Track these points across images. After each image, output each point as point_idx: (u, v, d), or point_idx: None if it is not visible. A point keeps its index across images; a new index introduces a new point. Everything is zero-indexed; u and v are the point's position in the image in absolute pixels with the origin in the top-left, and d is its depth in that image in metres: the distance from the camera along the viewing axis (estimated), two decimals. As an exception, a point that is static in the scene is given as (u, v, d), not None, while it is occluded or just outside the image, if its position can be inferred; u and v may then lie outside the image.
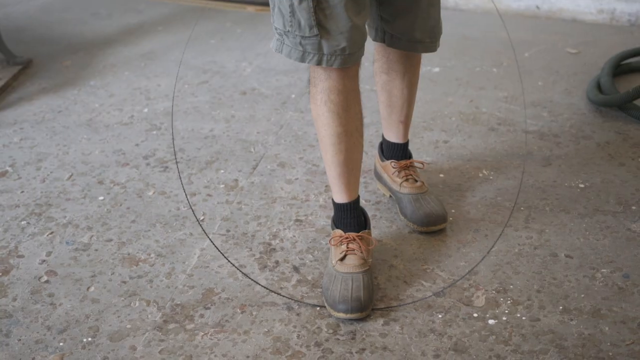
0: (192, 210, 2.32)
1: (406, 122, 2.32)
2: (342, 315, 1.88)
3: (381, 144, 2.44)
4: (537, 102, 3.11)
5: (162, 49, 3.83)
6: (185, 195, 2.37)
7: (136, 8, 4.53)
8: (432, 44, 2.12)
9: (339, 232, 2.05)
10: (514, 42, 3.77)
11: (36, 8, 4.51)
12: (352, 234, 2.02)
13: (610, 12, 4.06)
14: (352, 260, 1.98)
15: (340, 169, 2.00)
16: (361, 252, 1.99)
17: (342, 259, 1.99)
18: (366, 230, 2.05)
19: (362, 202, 2.15)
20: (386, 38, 2.12)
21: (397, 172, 2.33)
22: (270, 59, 3.65)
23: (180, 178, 2.51)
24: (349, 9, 1.77)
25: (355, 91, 1.95)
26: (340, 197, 2.05)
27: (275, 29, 1.87)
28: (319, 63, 1.83)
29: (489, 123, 2.93)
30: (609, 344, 1.78)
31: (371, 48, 2.16)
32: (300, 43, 1.82)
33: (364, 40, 1.89)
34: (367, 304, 1.90)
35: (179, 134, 2.89)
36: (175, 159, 2.68)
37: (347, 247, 2.01)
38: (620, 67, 3.32)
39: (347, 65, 1.84)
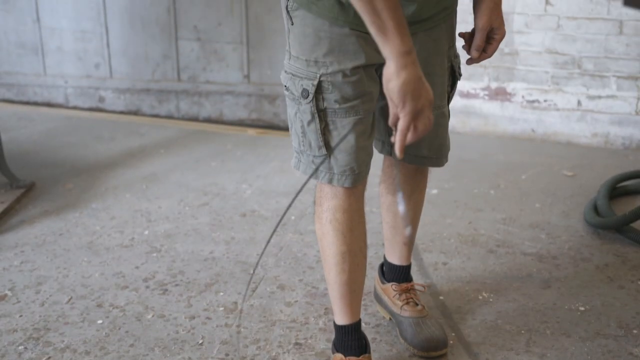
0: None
1: (410, 244, 2.34)
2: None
3: (382, 266, 2.44)
4: (535, 224, 3.13)
5: (164, 171, 3.88)
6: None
7: (138, 131, 4.62)
8: (438, 160, 2.14)
9: (339, 356, 2.03)
10: (511, 165, 3.84)
11: (40, 132, 4.60)
12: (353, 359, 2.01)
13: (604, 135, 4.15)
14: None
15: (343, 289, 2.01)
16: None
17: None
18: (366, 355, 2.04)
19: (362, 325, 2.14)
20: (393, 152, 2.14)
21: (398, 295, 2.33)
22: (270, 180, 3.70)
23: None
24: (357, 131, 1.83)
25: (360, 211, 1.98)
26: (342, 319, 2.04)
27: (294, 147, 1.95)
28: (330, 181, 1.88)
29: (488, 245, 2.95)
30: None
31: (377, 171, 2.19)
32: (313, 162, 1.88)
33: (371, 158, 1.93)
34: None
35: (179, 256, 2.90)
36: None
37: None
38: (616, 190, 3.37)
39: (356, 183, 1.88)
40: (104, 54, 4.99)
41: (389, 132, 2.09)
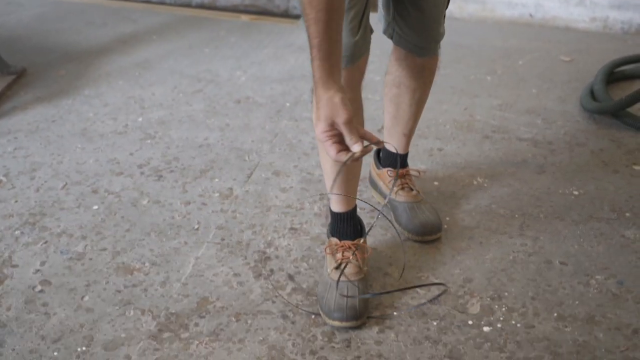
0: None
1: (409, 136, 2.32)
2: (337, 323, 1.88)
3: (378, 152, 2.44)
4: (531, 109, 3.11)
5: (157, 57, 3.83)
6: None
7: (130, 17, 4.54)
8: (426, 50, 2.11)
9: (334, 240, 2.04)
10: (508, 50, 3.79)
11: (31, 17, 4.51)
12: (348, 242, 2.02)
13: (603, 20, 4.08)
14: (348, 269, 1.98)
15: (339, 180, 2.00)
16: (357, 261, 1.99)
17: (337, 267, 1.99)
18: (361, 239, 2.05)
19: (357, 210, 2.15)
20: (394, 36, 2.11)
21: (393, 180, 2.33)
22: (264, 67, 3.65)
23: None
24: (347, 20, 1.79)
25: (356, 102, 1.95)
26: (338, 207, 2.05)
27: None
28: None
29: (484, 131, 2.93)
30: (603, 350, 1.78)
31: (372, 58, 2.16)
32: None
33: (365, 40, 1.88)
34: (363, 312, 1.90)
35: (173, 142, 2.88)
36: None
37: (343, 256, 2.00)
38: (613, 75, 3.33)
39: (347, 65, 1.83)
40: (92, -63, 4.85)
41: (396, 20, 2.04)
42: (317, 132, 1.59)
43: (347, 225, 2.05)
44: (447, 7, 2.06)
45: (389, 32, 2.11)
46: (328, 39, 1.57)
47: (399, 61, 2.17)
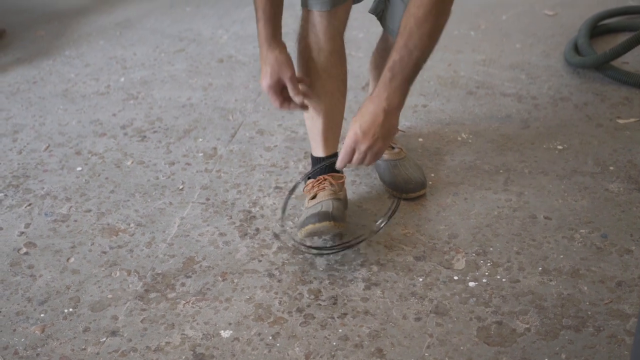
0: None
1: None
2: (309, 227, 1.89)
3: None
4: (515, 64, 3.11)
5: (137, 17, 3.79)
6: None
7: (110, -24, 4.48)
8: None
9: (310, 181, 2.07)
10: (491, 5, 3.77)
11: (8, -23, 4.44)
12: (321, 176, 2.05)
13: (587, -27, 4.05)
14: (321, 194, 2.01)
15: (320, 126, 2.02)
16: (331, 186, 2.02)
17: (313, 198, 2.01)
18: (338, 173, 2.07)
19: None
20: (382, 19, 2.10)
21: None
22: (246, 25, 3.62)
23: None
24: None
25: (336, 53, 1.95)
26: (318, 151, 2.07)
27: None
28: (303, 4, 1.89)
29: (467, 86, 2.93)
30: (587, 303, 1.80)
31: (355, 16, 2.14)
32: None
33: None
34: (337, 216, 1.92)
35: (156, 102, 2.86)
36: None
37: (318, 187, 2.03)
38: (597, 29, 3.32)
39: (325, 8, 1.84)
40: None
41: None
42: (263, 87, 1.86)
43: (326, 167, 2.07)
44: None
45: (379, 14, 2.09)
46: (271, 1, 1.80)
47: (385, 43, 2.16)
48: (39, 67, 3.20)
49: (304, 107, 1.92)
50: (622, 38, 3.15)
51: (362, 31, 3.34)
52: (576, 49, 3.12)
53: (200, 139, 2.60)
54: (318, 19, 1.89)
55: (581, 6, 3.74)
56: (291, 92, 1.88)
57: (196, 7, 3.92)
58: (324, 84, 1.97)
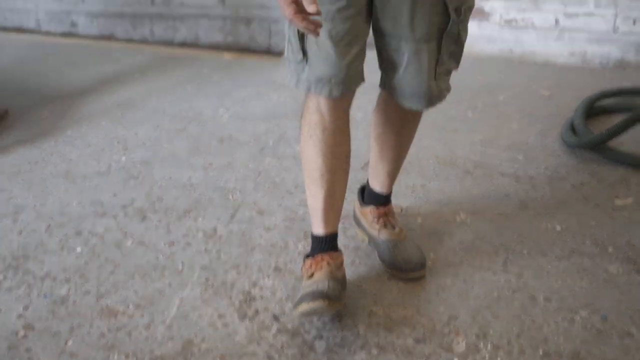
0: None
1: (393, 175, 2.34)
2: (304, 306, 1.88)
3: (362, 190, 2.45)
4: (512, 144, 3.14)
5: (139, 96, 3.84)
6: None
7: (112, 56, 4.55)
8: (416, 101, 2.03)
9: (309, 260, 2.06)
10: (489, 85, 3.82)
11: (12, 59, 4.52)
12: (319, 255, 2.04)
13: (582, 55, 4.13)
14: (318, 274, 2.00)
15: (321, 202, 2.03)
16: (328, 265, 2.01)
17: (310, 277, 2.00)
18: (335, 252, 2.07)
19: (341, 247, 2.15)
20: (380, 80, 2.11)
21: (376, 219, 2.34)
22: (247, 105, 3.67)
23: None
24: (333, 38, 1.81)
25: (341, 130, 1.97)
26: (319, 230, 2.07)
27: (285, 56, 1.96)
28: (308, 89, 1.88)
29: (465, 166, 2.95)
30: (589, 387, 1.78)
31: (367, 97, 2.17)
32: (295, 69, 1.87)
33: (356, 74, 1.90)
34: (332, 295, 1.90)
35: (157, 182, 2.89)
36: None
37: (316, 266, 2.03)
38: (593, 109, 3.37)
39: (333, 95, 1.86)
40: (74, -23, 4.87)
41: (383, 66, 2.03)
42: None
43: (325, 246, 2.07)
44: (442, 64, 1.97)
45: (382, 84, 2.10)
46: None
47: (385, 101, 2.18)
48: (40, 147, 3.23)
49: (318, 12, 1.76)
50: (617, 118, 3.19)
51: (361, 111, 3.38)
52: (573, 129, 3.16)
53: (200, 219, 2.61)
54: (324, 101, 1.91)
55: (577, 87, 3.80)
56: (305, 2, 1.68)
57: (197, 87, 3.97)
58: (327, 161, 1.98)
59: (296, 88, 1.93)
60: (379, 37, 1.95)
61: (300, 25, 1.61)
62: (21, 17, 5.07)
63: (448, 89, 2.04)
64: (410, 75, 1.95)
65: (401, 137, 2.24)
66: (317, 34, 1.63)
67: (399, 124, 2.20)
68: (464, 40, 1.97)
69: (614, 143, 3.03)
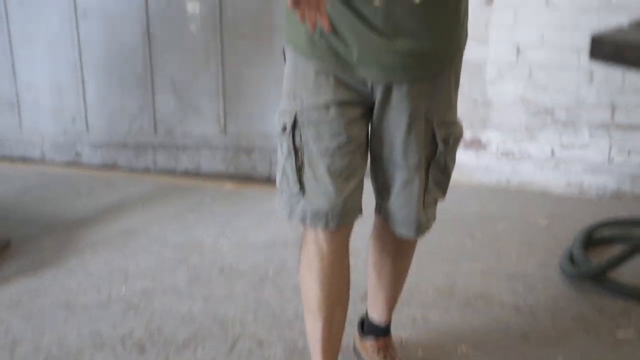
0: None
1: (391, 305, 2.34)
2: None
3: (362, 322, 2.45)
4: (511, 274, 3.15)
5: (141, 226, 3.87)
6: None
7: (115, 185, 4.61)
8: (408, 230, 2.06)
9: None
10: (486, 215, 3.86)
11: (16, 189, 4.57)
12: None
13: (578, 185, 4.19)
14: None
15: (319, 334, 2.02)
16: None
17: None
18: None
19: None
20: (376, 205, 2.13)
21: (375, 352, 2.33)
22: (248, 235, 3.70)
23: None
24: (332, 173, 1.82)
25: (340, 260, 1.97)
26: None
27: (277, 187, 1.96)
28: (303, 220, 1.87)
29: (465, 296, 2.95)
30: None
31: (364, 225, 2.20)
32: (289, 200, 1.88)
33: (354, 208, 1.91)
34: None
35: (156, 313, 2.88)
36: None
37: None
38: (591, 239, 3.39)
39: (330, 227, 1.87)
40: (80, 109, 4.98)
41: (378, 191, 2.06)
42: None
43: None
44: (430, 193, 2.02)
45: (377, 207, 2.12)
46: None
47: (381, 227, 2.20)
48: (42, 277, 3.23)
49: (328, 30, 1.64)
50: (616, 249, 3.22)
51: (361, 240, 3.41)
52: (572, 259, 3.18)
53: (199, 351, 2.60)
54: (321, 233, 1.92)
55: (574, 217, 3.84)
56: None
57: (199, 216, 4.01)
58: (325, 292, 1.98)
59: (289, 220, 1.94)
60: (375, 162, 1.99)
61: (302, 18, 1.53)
62: (26, 148, 5.16)
63: (434, 217, 2.08)
64: (401, 203, 1.99)
65: (398, 263, 2.26)
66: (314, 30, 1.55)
67: (395, 251, 2.22)
68: (451, 170, 2.02)
69: (614, 274, 3.04)
